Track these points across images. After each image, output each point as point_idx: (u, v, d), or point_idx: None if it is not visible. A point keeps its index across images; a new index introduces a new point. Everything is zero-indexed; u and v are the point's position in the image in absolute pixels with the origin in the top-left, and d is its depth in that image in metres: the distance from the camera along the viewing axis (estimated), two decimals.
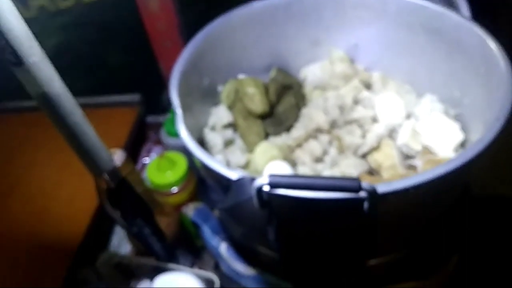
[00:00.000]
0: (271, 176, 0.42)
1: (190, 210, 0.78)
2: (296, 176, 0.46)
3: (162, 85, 0.91)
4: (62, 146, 0.89)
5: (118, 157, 0.54)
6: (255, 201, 0.46)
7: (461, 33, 0.67)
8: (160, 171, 0.76)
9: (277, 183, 0.42)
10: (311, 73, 0.84)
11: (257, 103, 0.74)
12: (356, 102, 0.78)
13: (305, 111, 0.78)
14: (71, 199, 0.81)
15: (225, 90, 0.79)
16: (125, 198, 0.52)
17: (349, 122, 0.75)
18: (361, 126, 0.74)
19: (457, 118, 0.71)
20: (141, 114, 0.92)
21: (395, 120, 0.72)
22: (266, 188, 0.43)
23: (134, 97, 0.94)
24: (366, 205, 0.45)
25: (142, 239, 0.58)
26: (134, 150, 0.90)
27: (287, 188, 0.42)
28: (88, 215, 0.77)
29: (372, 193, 0.41)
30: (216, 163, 0.52)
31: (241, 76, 0.79)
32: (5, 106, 1.03)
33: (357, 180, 0.41)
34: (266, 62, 0.84)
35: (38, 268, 0.72)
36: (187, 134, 0.57)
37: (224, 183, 0.53)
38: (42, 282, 0.69)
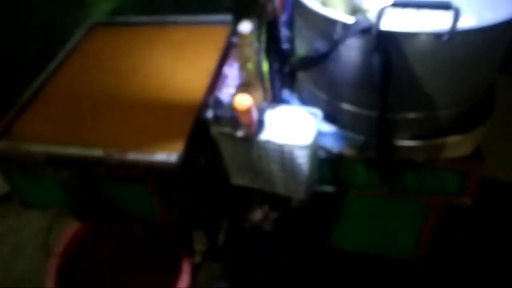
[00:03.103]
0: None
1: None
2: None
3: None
4: (171, 48, 1.14)
5: None
6: (374, 27, 0.70)
7: None
8: None
9: (400, 3, 0.67)
10: None
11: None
12: None
13: None
14: (185, 79, 1.03)
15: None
16: (273, 31, 0.75)
17: None
18: None
19: None
20: (232, 30, 1.16)
21: None
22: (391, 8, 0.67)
23: (227, 17, 1.19)
24: (447, 36, 0.69)
25: (271, 72, 0.80)
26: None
27: (407, 7, 0.66)
28: (202, 89, 0.99)
29: (457, 10, 0.65)
30: (338, 14, 0.76)
31: None
32: (128, 20, 1.28)
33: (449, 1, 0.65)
34: None
35: (169, 118, 0.93)
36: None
37: (337, 33, 0.77)
38: (170, 134, 0.89)
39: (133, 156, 0.85)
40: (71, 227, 1.30)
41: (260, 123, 0.81)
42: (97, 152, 0.87)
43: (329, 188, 1.06)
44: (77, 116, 0.98)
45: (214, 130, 0.85)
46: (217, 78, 1.06)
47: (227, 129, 0.82)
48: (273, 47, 0.79)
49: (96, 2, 1.52)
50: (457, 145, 0.90)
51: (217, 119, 0.82)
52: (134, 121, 0.94)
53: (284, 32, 1.08)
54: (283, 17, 1.10)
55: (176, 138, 0.88)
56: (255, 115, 0.75)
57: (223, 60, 1.10)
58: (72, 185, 0.95)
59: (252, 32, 0.86)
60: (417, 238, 1.17)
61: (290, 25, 1.04)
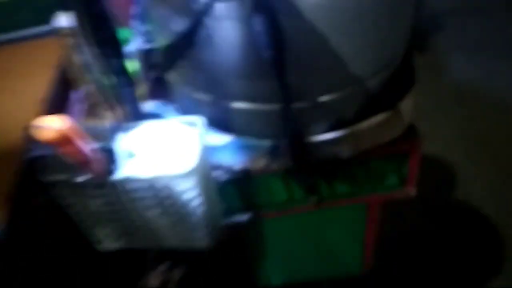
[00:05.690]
0: None
1: (149, 106, 0.74)
2: None
3: None
4: None
5: None
6: None
7: None
8: None
9: None
10: None
11: None
12: None
13: None
14: (6, 116, 0.73)
15: None
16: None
17: None
18: None
19: None
20: None
21: None
22: None
23: None
24: None
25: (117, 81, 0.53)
26: None
27: None
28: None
29: None
30: None
31: None
32: None
33: None
34: None
35: None
36: None
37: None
38: None
39: None
40: None
41: (111, 155, 0.52)
42: None
43: (243, 217, 0.81)
44: None
45: (45, 180, 0.54)
46: (55, 106, 0.76)
47: (61, 176, 0.52)
48: (107, 46, 0.51)
49: None
50: (385, 126, 0.70)
51: (41, 163, 0.52)
52: None
53: (139, 27, 0.84)
54: (135, 10, 0.86)
55: None
56: (85, 144, 0.46)
57: (62, 80, 0.81)
58: None
59: (74, 28, 0.59)
60: (361, 247, 0.96)
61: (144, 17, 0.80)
